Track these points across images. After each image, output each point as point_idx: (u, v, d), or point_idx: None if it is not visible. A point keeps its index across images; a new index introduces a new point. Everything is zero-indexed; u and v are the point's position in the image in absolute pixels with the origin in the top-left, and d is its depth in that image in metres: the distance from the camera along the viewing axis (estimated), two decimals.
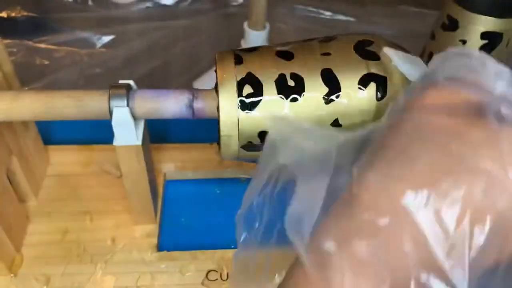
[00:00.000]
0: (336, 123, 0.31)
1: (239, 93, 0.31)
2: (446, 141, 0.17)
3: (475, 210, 0.16)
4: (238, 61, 0.32)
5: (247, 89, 0.31)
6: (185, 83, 0.62)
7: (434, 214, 0.16)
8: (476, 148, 0.17)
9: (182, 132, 0.51)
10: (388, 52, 0.31)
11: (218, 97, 0.31)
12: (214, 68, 0.33)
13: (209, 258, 0.40)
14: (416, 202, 0.16)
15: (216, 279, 0.39)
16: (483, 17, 0.47)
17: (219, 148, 0.33)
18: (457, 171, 0.17)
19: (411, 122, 0.19)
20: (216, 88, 0.32)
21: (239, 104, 0.31)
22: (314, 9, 0.74)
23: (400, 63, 0.31)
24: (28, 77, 0.60)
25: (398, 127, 0.19)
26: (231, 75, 0.31)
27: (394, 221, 0.16)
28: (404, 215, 0.16)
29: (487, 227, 0.16)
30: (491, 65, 0.19)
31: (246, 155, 0.34)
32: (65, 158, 0.48)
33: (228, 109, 0.31)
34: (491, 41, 0.48)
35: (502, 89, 0.19)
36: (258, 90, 0.31)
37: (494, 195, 0.16)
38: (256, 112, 0.31)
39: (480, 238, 0.16)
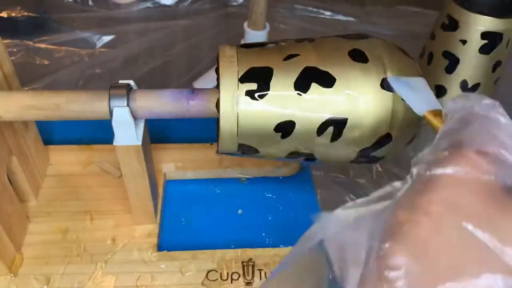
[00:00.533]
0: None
1: (241, 87, 0.31)
2: (474, 228, 0.16)
3: None
4: (241, 55, 0.32)
5: (249, 83, 0.31)
6: (185, 83, 0.62)
7: None
8: (505, 239, 0.16)
9: (182, 132, 0.51)
10: (393, 83, 0.31)
11: (219, 90, 0.31)
12: (214, 68, 0.33)
13: (209, 258, 0.40)
14: None
15: (216, 279, 0.39)
16: (483, 17, 0.47)
17: (218, 143, 0.33)
18: (481, 262, 0.16)
19: (438, 205, 0.18)
20: (217, 86, 0.32)
21: (240, 97, 0.31)
22: (314, 9, 0.74)
23: (404, 94, 0.30)
24: (28, 77, 0.60)
25: (423, 207, 0.18)
26: (233, 68, 0.31)
27: None
28: None
29: None
30: None
31: (244, 151, 0.34)
32: (65, 158, 0.48)
33: (229, 102, 0.31)
34: (491, 41, 0.48)
35: None
36: (260, 85, 0.31)
37: None
38: (257, 106, 0.31)
39: None
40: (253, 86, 0.31)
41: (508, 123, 0.19)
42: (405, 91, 0.30)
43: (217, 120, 0.33)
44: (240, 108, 0.31)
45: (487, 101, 0.20)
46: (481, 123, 0.19)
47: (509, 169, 0.18)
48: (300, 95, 0.31)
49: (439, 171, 0.18)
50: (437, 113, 0.26)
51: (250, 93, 0.31)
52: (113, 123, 0.33)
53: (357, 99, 0.31)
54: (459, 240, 0.16)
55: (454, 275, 0.16)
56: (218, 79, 0.32)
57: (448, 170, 0.18)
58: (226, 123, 0.31)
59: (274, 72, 0.31)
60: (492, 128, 0.19)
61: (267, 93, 0.31)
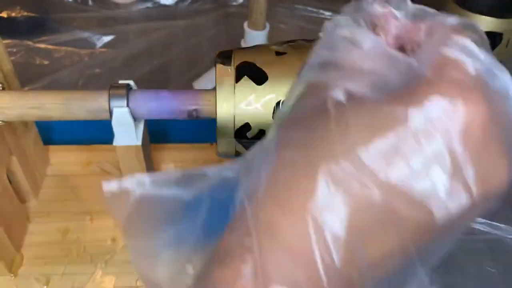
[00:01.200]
0: None
1: (237, 90, 0.31)
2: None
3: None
4: (237, 59, 0.32)
5: (245, 86, 0.31)
6: (185, 83, 0.62)
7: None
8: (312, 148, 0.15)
9: (182, 132, 0.51)
10: None
11: (216, 94, 0.31)
12: (214, 68, 0.33)
13: None
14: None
15: None
16: (483, 17, 0.47)
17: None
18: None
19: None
20: (215, 88, 0.32)
21: (236, 101, 0.31)
22: (314, 9, 0.74)
23: None
24: (28, 77, 0.60)
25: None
26: (230, 72, 0.31)
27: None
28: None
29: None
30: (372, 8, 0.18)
31: (244, 151, 0.34)
32: (65, 158, 0.48)
33: (226, 105, 0.31)
34: (491, 41, 0.48)
35: (369, 44, 0.17)
36: (255, 88, 0.31)
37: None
38: (252, 109, 0.31)
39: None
40: (249, 89, 0.31)
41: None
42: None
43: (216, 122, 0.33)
44: (236, 111, 0.31)
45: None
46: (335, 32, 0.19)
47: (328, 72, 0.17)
48: None
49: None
50: None
51: (246, 96, 0.31)
52: (113, 123, 0.33)
53: None
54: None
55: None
56: (215, 81, 0.32)
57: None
58: (223, 126, 0.31)
59: (269, 76, 0.31)
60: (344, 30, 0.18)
61: (263, 96, 0.31)
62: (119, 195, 0.19)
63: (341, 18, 0.19)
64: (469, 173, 0.15)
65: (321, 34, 0.19)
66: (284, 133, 0.17)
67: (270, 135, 0.18)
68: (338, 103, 0.16)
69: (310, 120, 0.16)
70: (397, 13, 0.19)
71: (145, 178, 0.19)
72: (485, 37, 0.18)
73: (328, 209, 0.15)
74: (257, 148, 0.19)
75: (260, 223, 0.16)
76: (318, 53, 0.18)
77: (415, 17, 0.19)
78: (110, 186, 0.19)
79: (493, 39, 0.48)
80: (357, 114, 0.15)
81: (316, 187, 0.15)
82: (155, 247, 0.20)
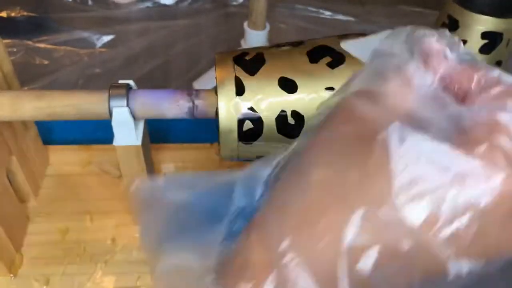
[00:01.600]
0: None
1: (238, 92, 0.31)
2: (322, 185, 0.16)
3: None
4: (237, 61, 0.32)
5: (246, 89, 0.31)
6: (185, 83, 0.62)
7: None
8: (351, 190, 0.16)
9: (182, 132, 0.51)
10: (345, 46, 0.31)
11: (217, 97, 0.31)
12: (214, 68, 0.33)
13: None
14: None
15: None
16: (483, 17, 0.47)
17: (219, 147, 0.33)
18: (330, 213, 0.16)
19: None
20: (215, 88, 0.32)
21: (238, 103, 0.31)
22: (314, 9, 0.74)
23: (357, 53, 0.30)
24: (28, 77, 0.60)
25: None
26: (230, 74, 0.31)
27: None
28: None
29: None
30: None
31: (246, 154, 0.34)
32: (65, 158, 0.48)
33: (227, 108, 0.31)
34: (491, 41, 0.48)
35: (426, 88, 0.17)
36: (257, 90, 0.31)
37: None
38: (255, 111, 0.31)
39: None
40: (251, 92, 0.31)
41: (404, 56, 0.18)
42: (359, 51, 0.30)
43: (217, 123, 0.33)
44: (239, 115, 0.31)
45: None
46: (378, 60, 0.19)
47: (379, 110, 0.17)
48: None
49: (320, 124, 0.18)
50: None
51: (248, 100, 0.31)
52: (113, 123, 0.33)
53: None
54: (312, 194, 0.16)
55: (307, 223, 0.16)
56: (216, 84, 0.32)
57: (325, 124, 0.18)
58: (226, 129, 0.31)
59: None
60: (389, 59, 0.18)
61: (265, 98, 0.31)
62: (149, 197, 0.20)
63: (394, 43, 0.19)
64: (490, 241, 0.15)
65: (374, 53, 0.19)
66: (316, 151, 0.17)
67: (299, 143, 0.18)
68: (385, 143, 0.16)
69: (346, 148, 0.16)
70: (449, 53, 0.19)
71: (171, 179, 0.20)
72: None
73: (358, 248, 0.15)
74: (283, 154, 0.19)
75: (284, 239, 0.16)
76: (364, 77, 0.18)
77: (463, 62, 0.19)
78: (139, 186, 0.19)
79: (493, 39, 0.48)
80: (400, 159, 0.15)
81: (349, 225, 0.15)
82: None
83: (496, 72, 0.18)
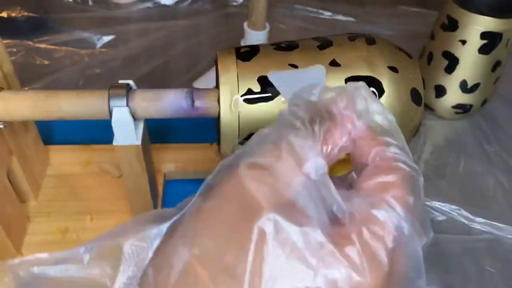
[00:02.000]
0: None
1: (240, 90, 0.31)
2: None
3: None
4: (239, 57, 0.32)
5: (248, 86, 0.31)
6: (185, 83, 0.62)
7: None
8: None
9: (182, 132, 0.51)
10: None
11: (218, 94, 0.31)
12: (214, 68, 0.33)
13: None
14: None
15: None
16: (483, 17, 0.47)
17: (219, 146, 0.33)
18: None
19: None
20: (217, 85, 0.32)
21: (240, 101, 0.31)
22: (314, 9, 0.74)
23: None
24: (28, 77, 0.60)
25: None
26: (232, 72, 0.31)
27: None
28: None
29: None
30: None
31: None
32: (65, 158, 0.48)
33: (228, 105, 0.31)
34: (490, 41, 0.48)
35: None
36: (260, 87, 0.31)
37: None
38: (256, 109, 0.31)
39: None
40: (253, 88, 0.31)
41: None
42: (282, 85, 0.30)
43: (217, 121, 0.33)
44: (240, 111, 0.31)
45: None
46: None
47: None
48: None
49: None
50: None
51: (249, 96, 0.31)
52: (113, 123, 0.33)
53: None
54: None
55: None
56: (217, 82, 0.32)
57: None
58: (227, 126, 0.31)
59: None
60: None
61: (267, 95, 0.31)
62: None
63: (301, 107, 0.19)
64: None
65: (281, 115, 0.20)
66: (203, 218, 0.18)
67: (193, 203, 0.19)
68: (262, 232, 0.16)
69: (229, 223, 0.17)
70: (357, 121, 0.19)
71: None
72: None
73: None
74: (179, 215, 0.20)
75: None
76: (263, 148, 0.19)
77: (369, 129, 0.19)
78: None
79: (493, 39, 0.48)
80: (276, 251, 0.16)
81: None
82: None
83: (392, 150, 0.19)
